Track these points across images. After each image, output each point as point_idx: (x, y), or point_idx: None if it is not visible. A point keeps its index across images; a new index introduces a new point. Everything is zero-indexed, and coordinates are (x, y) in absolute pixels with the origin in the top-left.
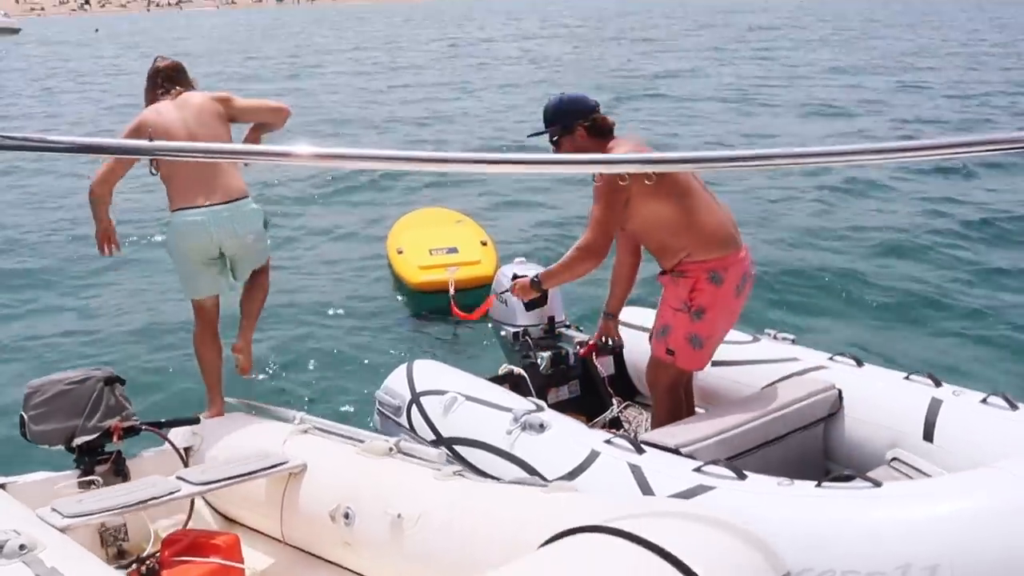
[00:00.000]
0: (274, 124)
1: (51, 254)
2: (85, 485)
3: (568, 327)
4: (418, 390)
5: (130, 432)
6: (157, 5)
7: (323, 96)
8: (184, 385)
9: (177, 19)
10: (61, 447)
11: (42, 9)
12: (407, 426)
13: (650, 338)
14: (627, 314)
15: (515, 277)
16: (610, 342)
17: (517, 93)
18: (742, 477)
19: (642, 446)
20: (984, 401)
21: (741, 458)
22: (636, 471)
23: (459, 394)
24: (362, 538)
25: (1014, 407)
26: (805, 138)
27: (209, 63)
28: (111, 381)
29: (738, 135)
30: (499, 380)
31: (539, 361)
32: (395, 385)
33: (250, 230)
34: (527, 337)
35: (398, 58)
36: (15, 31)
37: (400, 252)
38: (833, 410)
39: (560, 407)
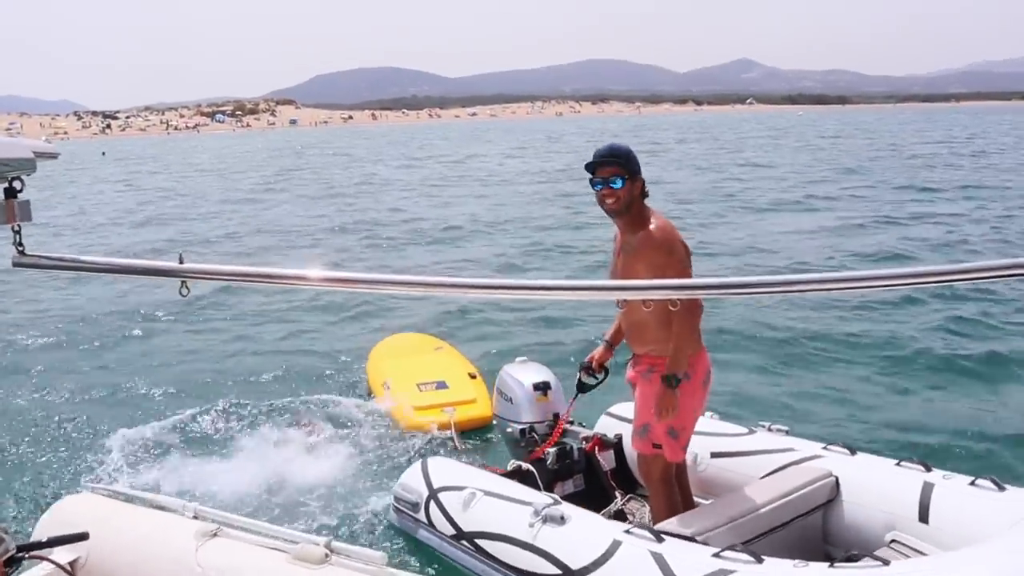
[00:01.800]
0: None
1: None
2: None
3: (572, 423)
4: (435, 486)
5: (11, 564)
6: (176, 128)
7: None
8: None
9: (192, 142)
10: None
11: (65, 133)
12: (425, 521)
13: (632, 439)
14: (625, 410)
15: (589, 380)
16: (590, 381)
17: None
18: (759, 561)
19: (661, 535)
20: (973, 483)
21: (751, 544)
22: (658, 559)
23: (477, 489)
24: None
25: (1002, 488)
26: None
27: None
28: None
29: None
30: (508, 476)
31: (546, 456)
32: (411, 481)
33: None
34: (533, 434)
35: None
36: (54, 156)
37: (387, 387)
38: (831, 496)
39: (566, 500)
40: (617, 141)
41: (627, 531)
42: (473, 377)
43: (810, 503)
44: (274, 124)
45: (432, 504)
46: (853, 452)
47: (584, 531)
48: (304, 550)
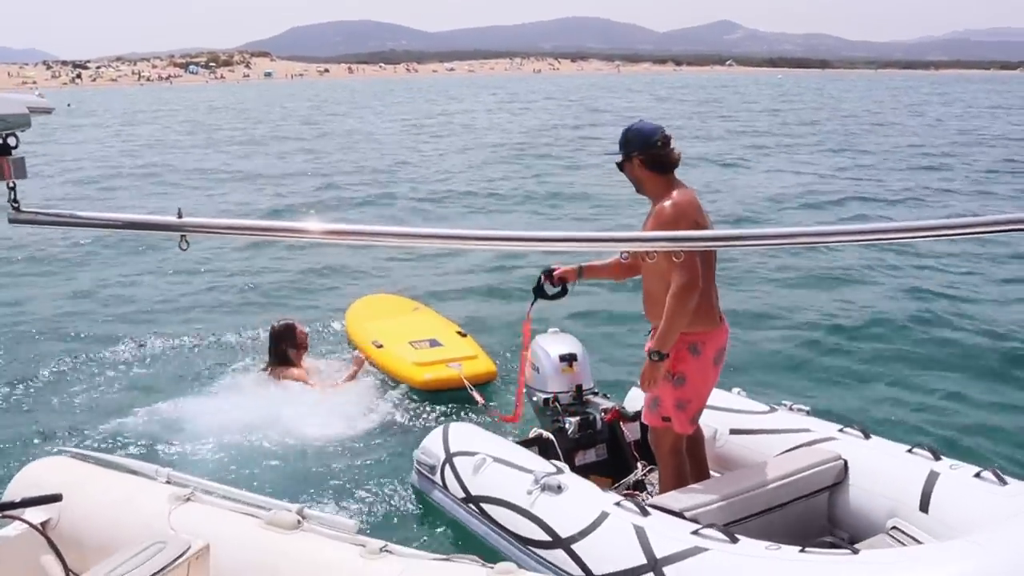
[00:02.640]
0: None
1: None
2: None
3: (596, 394)
4: (452, 451)
5: None
6: (148, 79)
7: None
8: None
9: (167, 94)
10: None
11: (34, 83)
12: (440, 483)
13: (643, 412)
14: None
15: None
16: (548, 289)
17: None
18: (734, 541)
19: (648, 509)
20: (978, 475)
21: (744, 522)
22: (640, 532)
23: (488, 455)
24: None
25: (1003, 482)
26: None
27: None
28: None
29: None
30: (529, 443)
31: (567, 426)
32: (431, 445)
33: None
34: (556, 403)
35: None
36: (48, 111)
37: (379, 346)
38: (838, 479)
39: (587, 469)
40: (632, 122)
41: (617, 503)
42: (463, 335)
43: (814, 485)
44: (249, 76)
45: (447, 467)
46: (867, 436)
47: (577, 501)
48: (276, 516)
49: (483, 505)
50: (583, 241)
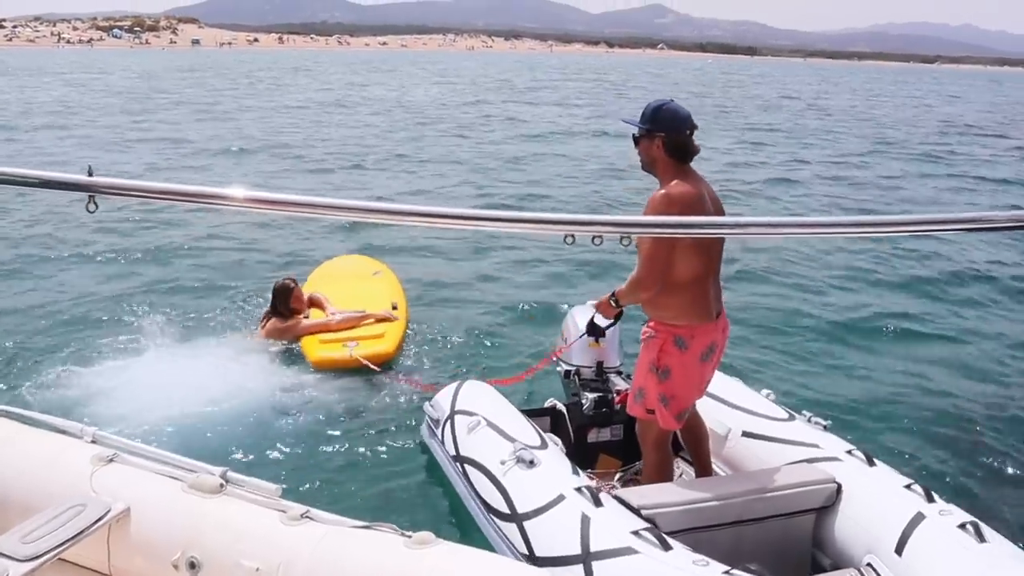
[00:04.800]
0: None
1: None
2: None
3: (620, 374)
4: (456, 408)
5: None
6: (68, 42)
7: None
8: None
9: (89, 56)
10: None
11: None
12: (440, 438)
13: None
14: None
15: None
16: (601, 322)
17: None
18: (667, 549)
19: (602, 500)
20: (962, 527)
21: (709, 531)
22: (584, 522)
23: (484, 418)
24: None
25: (982, 539)
26: None
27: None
28: None
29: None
30: (540, 413)
31: (584, 401)
32: (441, 400)
33: None
34: (577, 377)
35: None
36: None
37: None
38: (828, 503)
39: (599, 448)
40: (657, 99)
41: (577, 488)
42: (394, 308)
43: (796, 505)
44: (175, 43)
45: (448, 423)
46: (871, 462)
47: (542, 479)
48: (199, 479)
49: (466, 466)
50: (534, 223)
